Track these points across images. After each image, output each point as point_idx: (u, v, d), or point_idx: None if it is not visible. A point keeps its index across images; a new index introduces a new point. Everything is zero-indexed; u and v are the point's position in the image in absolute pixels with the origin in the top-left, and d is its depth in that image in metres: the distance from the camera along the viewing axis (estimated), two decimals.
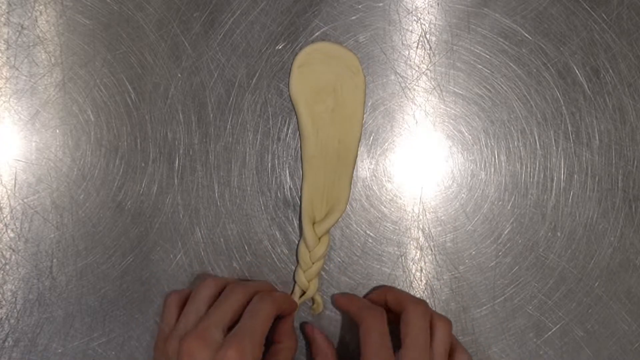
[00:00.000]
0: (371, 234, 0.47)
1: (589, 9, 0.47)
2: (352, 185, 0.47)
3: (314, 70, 0.46)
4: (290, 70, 0.46)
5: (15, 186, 0.46)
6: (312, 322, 0.47)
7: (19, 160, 0.46)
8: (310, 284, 0.46)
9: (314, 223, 0.46)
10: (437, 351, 0.41)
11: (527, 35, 0.47)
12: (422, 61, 0.47)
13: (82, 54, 0.46)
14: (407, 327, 0.41)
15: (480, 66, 0.47)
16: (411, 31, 0.47)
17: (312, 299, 0.47)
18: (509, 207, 0.47)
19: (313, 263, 0.46)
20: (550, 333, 0.47)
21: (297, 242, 0.47)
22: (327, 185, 0.46)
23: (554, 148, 0.47)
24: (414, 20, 0.47)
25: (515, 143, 0.47)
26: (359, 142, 0.46)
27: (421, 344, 0.40)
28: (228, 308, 0.40)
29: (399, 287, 0.47)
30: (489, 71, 0.47)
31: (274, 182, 0.47)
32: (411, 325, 0.41)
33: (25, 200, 0.46)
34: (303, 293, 0.46)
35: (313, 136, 0.46)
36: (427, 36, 0.47)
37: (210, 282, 0.43)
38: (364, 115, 0.47)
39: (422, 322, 0.41)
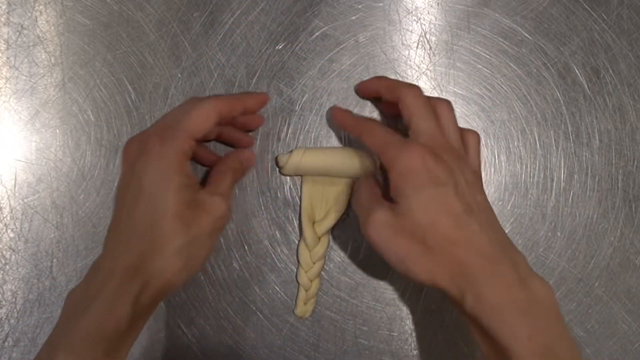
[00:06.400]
0: None
1: (589, 9, 0.47)
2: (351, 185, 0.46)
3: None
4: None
5: (15, 186, 0.46)
6: (308, 324, 0.47)
7: (19, 160, 0.46)
8: (312, 284, 0.46)
9: (314, 223, 0.46)
10: (446, 124, 0.40)
11: (527, 35, 0.47)
12: (422, 61, 0.47)
13: (82, 54, 0.46)
14: (409, 107, 0.40)
15: (480, 66, 0.47)
16: (411, 31, 0.47)
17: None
18: (509, 207, 0.47)
19: (314, 263, 0.46)
20: None
21: (297, 242, 0.47)
22: (327, 185, 0.46)
23: (554, 148, 0.47)
24: (414, 20, 0.47)
25: (515, 143, 0.47)
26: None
27: (429, 114, 0.39)
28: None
29: (398, 286, 0.47)
30: (489, 71, 0.47)
31: (274, 182, 0.47)
32: (413, 105, 0.40)
33: (25, 200, 0.46)
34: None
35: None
36: (427, 36, 0.47)
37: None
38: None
39: (422, 99, 0.40)
